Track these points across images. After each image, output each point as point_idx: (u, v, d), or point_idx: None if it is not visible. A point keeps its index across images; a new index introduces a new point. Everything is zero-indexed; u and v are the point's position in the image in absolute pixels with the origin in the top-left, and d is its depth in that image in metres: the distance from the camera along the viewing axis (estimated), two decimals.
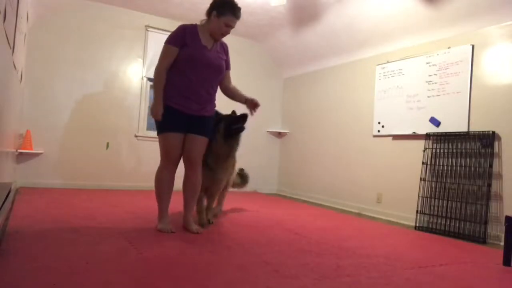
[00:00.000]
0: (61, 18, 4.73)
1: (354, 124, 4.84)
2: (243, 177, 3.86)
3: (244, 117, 2.85)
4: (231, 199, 3.87)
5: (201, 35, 2.64)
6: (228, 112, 3.02)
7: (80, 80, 4.83)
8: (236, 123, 2.86)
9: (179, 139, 2.62)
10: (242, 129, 2.88)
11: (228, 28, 2.63)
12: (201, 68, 2.60)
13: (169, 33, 2.65)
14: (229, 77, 2.90)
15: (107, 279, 1.59)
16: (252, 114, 2.84)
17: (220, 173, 2.95)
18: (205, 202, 3.05)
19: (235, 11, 2.64)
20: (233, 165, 3.27)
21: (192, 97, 2.60)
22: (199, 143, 2.68)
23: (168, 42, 2.57)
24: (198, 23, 2.71)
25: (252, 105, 2.81)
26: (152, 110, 2.57)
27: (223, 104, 3.02)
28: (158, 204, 2.68)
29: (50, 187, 4.56)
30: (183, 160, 2.72)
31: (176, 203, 2.84)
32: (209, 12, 2.64)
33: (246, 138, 3.42)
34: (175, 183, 2.72)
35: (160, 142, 2.65)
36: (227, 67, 2.85)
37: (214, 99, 2.80)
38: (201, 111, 2.65)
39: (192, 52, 2.58)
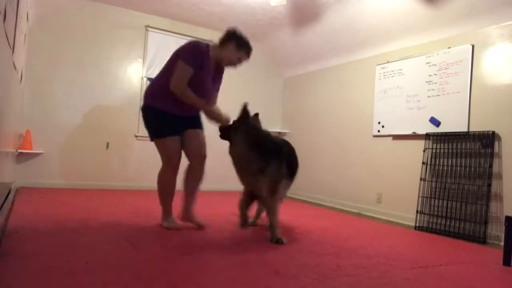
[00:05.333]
0: (61, 18, 4.73)
1: (354, 124, 4.84)
2: None
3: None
4: (231, 199, 3.87)
5: (211, 61, 2.72)
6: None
7: (80, 80, 4.83)
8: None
9: (178, 142, 2.74)
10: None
11: (239, 62, 2.78)
12: (203, 92, 2.68)
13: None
14: (216, 98, 2.94)
15: (107, 279, 1.59)
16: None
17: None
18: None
19: (250, 52, 2.81)
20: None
21: (186, 107, 2.68)
22: (202, 136, 2.85)
23: (187, 62, 2.54)
24: (210, 43, 2.75)
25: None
26: (212, 118, 2.67)
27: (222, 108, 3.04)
28: (163, 204, 2.80)
29: (50, 187, 4.56)
30: (191, 156, 2.79)
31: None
32: (225, 41, 2.72)
33: None
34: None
35: (160, 147, 2.73)
36: (218, 89, 2.96)
37: None
38: (189, 113, 2.77)
39: (202, 79, 2.64)
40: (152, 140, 2.77)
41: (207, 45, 2.71)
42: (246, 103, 2.69)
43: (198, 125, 2.85)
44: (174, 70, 2.56)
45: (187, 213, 2.78)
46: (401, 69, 4.21)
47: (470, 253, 2.74)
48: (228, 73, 3.05)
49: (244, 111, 2.66)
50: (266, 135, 2.68)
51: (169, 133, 2.70)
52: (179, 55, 2.60)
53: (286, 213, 3.98)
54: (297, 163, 2.93)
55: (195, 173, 2.78)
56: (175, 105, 2.65)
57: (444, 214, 3.53)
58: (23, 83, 4.05)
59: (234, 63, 2.78)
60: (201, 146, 2.81)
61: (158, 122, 2.70)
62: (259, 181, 2.55)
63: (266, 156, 2.53)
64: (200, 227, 2.77)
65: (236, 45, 2.71)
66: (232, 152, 2.63)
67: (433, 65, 3.84)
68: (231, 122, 2.73)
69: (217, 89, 2.93)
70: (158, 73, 2.84)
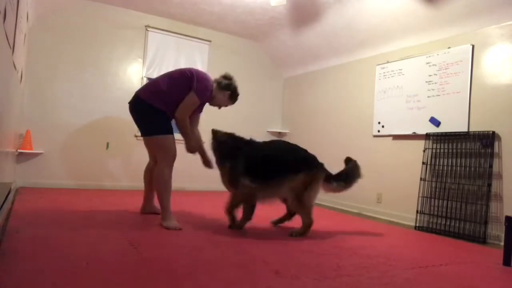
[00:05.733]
0: (61, 18, 4.73)
1: (354, 124, 4.84)
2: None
3: None
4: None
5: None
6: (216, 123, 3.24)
7: (80, 80, 4.83)
8: None
9: None
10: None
11: (223, 106, 3.18)
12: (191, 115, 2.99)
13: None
14: (198, 120, 3.25)
15: (107, 279, 1.59)
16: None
17: None
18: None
19: (236, 101, 3.21)
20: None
21: (172, 114, 2.93)
22: None
23: (199, 98, 2.86)
24: (214, 81, 3.05)
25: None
26: (190, 149, 3.01)
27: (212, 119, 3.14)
28: (166, 202, 2.81)
29: (50, 187, 4.55)
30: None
31: (179, 203, 2.84)
32: (224, 88, 3.04)
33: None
34: (180, 182, 2.96)
35: (164, 143, 2.83)
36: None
37: None
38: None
39: (200, 109, 3.04)
40: (151, 135, 2.86)
41: (213, 84, 3.04)
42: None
43: None
44: (186, 98, 2.81)
45: (149, 205, 3.27)
46: (401, 69, 4.21)
47: (470, 253, 2.74)
48: None
49: (213, 132, 3.08)
50: (227, 140, 3.01)
51: (171, 131, 2.87)
52: (196, 87, 2.82)
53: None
54: (273, 165, 2.85)
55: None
56: (171, 111, 2.86)
57: (444, 214, 3.53)
58: (23, 83, 4.05)
59: (220, 106, 3.17)
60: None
61: (163, 120, 2.85)
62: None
63: (223, 158, 2.95)
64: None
65: (230, 96, 3.09)
66: None
67: (433, 65, 3.84)
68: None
69: (198, 115, 3.22)
70: (160, 77, 2.95)
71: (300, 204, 2.87)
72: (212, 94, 3.02)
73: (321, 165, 3.00)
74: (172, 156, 2.84)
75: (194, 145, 3.00)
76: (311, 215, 2.91)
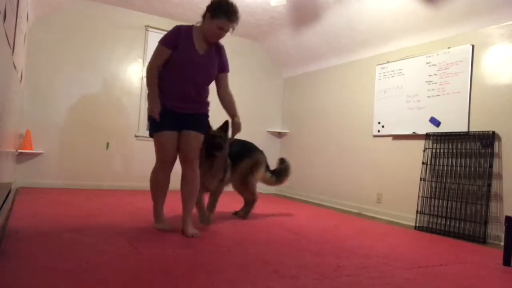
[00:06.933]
0: (61, 18, 4.73)
1: (354, 124, 4.84)
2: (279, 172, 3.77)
3: (218, 136, 2.83)
4: (231, 199, 3.88)
5: (195, 38, 2.55)
6: (222, 120, 2.90)
7: (80, 80, 4.83)
8: (213, 142, 2.80)
9: (174, 138, 2.57)
10: (219, 146, 2.82)
11: (221, 31, 2.51)
12: (191, 74, 2.54)
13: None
14: (225, 81, 2.72)
15: (107, 279, 1.59)
16: (232, 137, 2.81)
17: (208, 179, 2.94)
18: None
19: (229, 14, 2.50)
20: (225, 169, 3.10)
21: (182, 98, 2.55)
22: (194, 139, 2.61)
23: (162, 42, 2.51)
24: (195, 24, 2.62)
25: (235, 128, 2.76)
26: (150, 108, 2.52)
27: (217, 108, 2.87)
28: (155, 204, 2.71)
29: (50, 187, 4.56)
30: (180, 159, 2.65)
31: (175, 203, 2.84)
32: (203, 15, 2.56)
33: (247, 138, 3.45)
34: (173, 181, 2.71)
35: (154, 141, 2.61)
36: (223, 69, 2.70)
37: (206, 100, 2.72)
38: (192, 110, 2.61)
39: (183, 57, 2.51)
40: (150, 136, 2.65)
41: (188, 26, 2.58)
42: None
43: (193, 125, 2.61)
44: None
45: (182, 222, 2.61)
46: (401, 69, 4.21)
47: (470, 253, 2.74)
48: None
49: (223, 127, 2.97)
50: None
51: (163, 128, 2.53)
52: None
53: (286, 213, 3.98)
54: None
55: (185, 180, 2.61)
56: (171, 99, 2.54)
57: (444, 214, 3.53)
58: (23, 83, 4.05)
59: (216, 34, 2.52)
60: (188, 148, 2.59)
61: (152, 117, 2.55)
62: None
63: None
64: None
65: (210, 15, 2.48)
66: None
67: (433, 65, 3.84)
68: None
69: (221, 70, 2.69)
70: None
71: (246, 185, 3.34)
72: (200, 33, 2.56)
73: (264, 156, 3.55)
74: (158, 152, 2.59)
75: (156, 105, 2.50)
76: (255, 194, 3.43)
